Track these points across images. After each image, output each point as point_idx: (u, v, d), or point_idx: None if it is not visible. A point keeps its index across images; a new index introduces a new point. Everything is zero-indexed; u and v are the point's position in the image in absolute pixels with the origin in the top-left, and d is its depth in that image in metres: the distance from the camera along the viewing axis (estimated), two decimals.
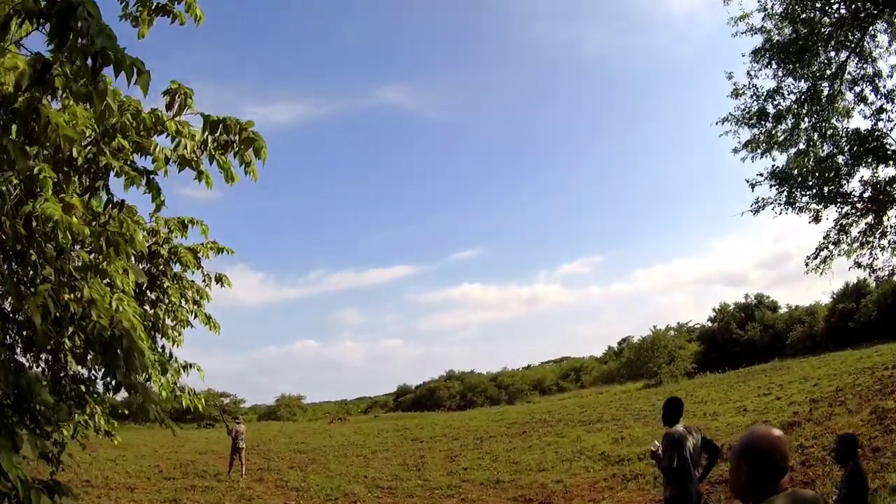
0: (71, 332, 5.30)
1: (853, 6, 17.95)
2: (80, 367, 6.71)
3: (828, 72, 19.43)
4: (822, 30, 18.74)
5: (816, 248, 20.72)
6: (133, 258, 5.94)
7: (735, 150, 21.12)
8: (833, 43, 18.85)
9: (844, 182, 19.54)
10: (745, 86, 20.37)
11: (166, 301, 8.22)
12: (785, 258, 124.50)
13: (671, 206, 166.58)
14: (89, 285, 4.83)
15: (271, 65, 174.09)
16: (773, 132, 20.10)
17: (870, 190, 19.33)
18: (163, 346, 8.35)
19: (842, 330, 50.65)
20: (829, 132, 19.51)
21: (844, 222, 20.02)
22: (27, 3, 3.40)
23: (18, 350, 5.93)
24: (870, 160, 18.69)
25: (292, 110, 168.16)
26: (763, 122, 20.14)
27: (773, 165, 20.29)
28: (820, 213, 20.14)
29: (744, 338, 60.66)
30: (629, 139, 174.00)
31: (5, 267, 4.82)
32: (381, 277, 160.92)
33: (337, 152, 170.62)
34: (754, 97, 20.24)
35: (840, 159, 19.33)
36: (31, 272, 5.09)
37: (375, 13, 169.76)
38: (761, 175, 20.27)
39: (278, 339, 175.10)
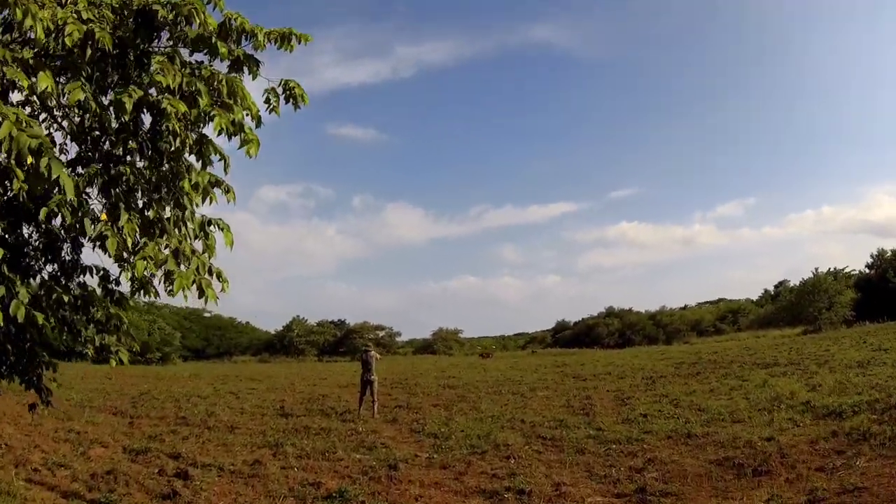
0: None
1: None
2: None
3: None
4: None
5: None
6: None
7: None
8: None
9: None
10: None
11: None
12: None
13: (825, 150, 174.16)
14: None
15: (418, 3, 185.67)
16: None
17: None
18: None
19: None
20: None
21: None
22: None
23: None
24: None
25: (442, 49, 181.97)
26: None
27: None
28: None
29: None
30: (788, 78, 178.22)
31: None
32: (540, 214, 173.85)
33: (490, 89, 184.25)
34: None
35: None
36: None
37: None
38: None
39: (438, 275, 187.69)
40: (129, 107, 6.03)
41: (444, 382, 31.89)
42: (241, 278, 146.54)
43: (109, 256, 6.37)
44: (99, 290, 8.32)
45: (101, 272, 8.09)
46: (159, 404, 25.00)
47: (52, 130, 8.00)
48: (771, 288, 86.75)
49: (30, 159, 4.87)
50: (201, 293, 6.80)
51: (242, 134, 6.88)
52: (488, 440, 16.19)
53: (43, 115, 7.94)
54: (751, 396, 20.21)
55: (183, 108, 6.24)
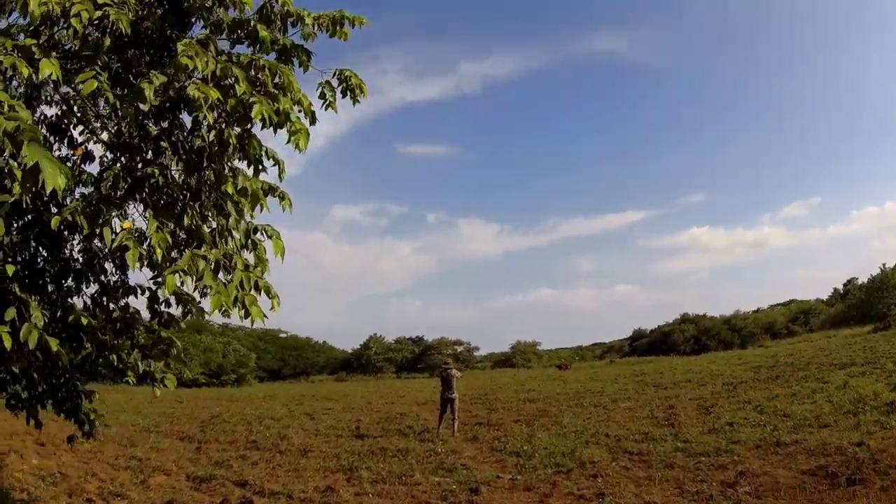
0: None
1: None
2: None
3: None
4: None
5: None
6: None
7: None
8: None
9: None
10: None
11: None
12: None
13: (884, 147, 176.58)
14: None
15: (479, 19, 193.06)
16: None
17: None
18: None
19: None
20: None
21: None
22: None
23: None
24: None
25: (506, 63, 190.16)
26: None
27: None
28: None
29: None
30: (845, 77, 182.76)
31: None
32: (612, 223, 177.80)
33: (555, 100, 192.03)
34: None
35: None
36: None
37: None
38: None
39: (513, 288, 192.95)
40: (149, 94, 5.28)
41: (524, 396, 31.31)
42: (317, 299, 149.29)
43: (131, 270, 5.60)
44: (147, 312, 7.60)
45: (150, 292, 7.37)
46: (230, 427, 24.56)
47: (89, 144, 7.43)
48: (840, 286, 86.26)
49: (8, 147, 4.13)
50: (247, 312, 5.94)
51: (289, 124, 5.99)
52: (573, 457, 15.46)
53: (80, 128, 7.39)
54: (833, 399, 19.82)
55: (214, 94, 5.45)
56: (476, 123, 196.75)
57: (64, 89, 6.61)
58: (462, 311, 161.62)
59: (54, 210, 5.95)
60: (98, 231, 5.43)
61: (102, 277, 7.90)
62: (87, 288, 7.80)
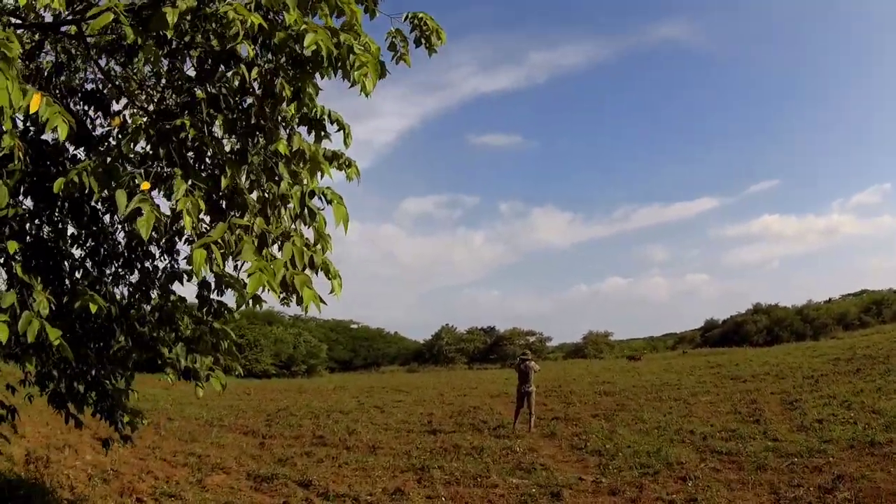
0: None
1: None
2: None
3: None
4: None
5: None
6: None
7: None
8: None
9: None
10: None
11: None
12: None
13: None
14: None
15: (548, 9, 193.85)
16: None
17: None
18: None
19: None
20: None
21: None
22: None
23: None
24: None
25: (575, 53, 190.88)
26: None
27: None
28: None
29: None
30: None
31: None
32: (684, 211, 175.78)
33: (625, 89, 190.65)
34: None
35: None
36: None
37: None
38: None
39: (585, 278, 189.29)
40: (171, 19, 4.32)
41: (599, 389, 30.49)
42: (389, 290, 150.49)
43: (143, 239, 4.60)
44: (196, 301, 6.97)
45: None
46: (296, 421, 23.96)
47: (129, 115, 6.56)
48: None
49: None
50: (298, 298, 4.96)
51: (352, 56, 4.86)
52: (659, 457, 14.67)
53: (123, 101, 6.57)
54: None
55: (256, 19, 4.50)
56: (547, 113, 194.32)
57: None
58: (534, 301, 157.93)
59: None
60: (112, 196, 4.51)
61: (147, 263, 7.09)
62: (130, 275, 7.08)
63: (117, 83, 6.52)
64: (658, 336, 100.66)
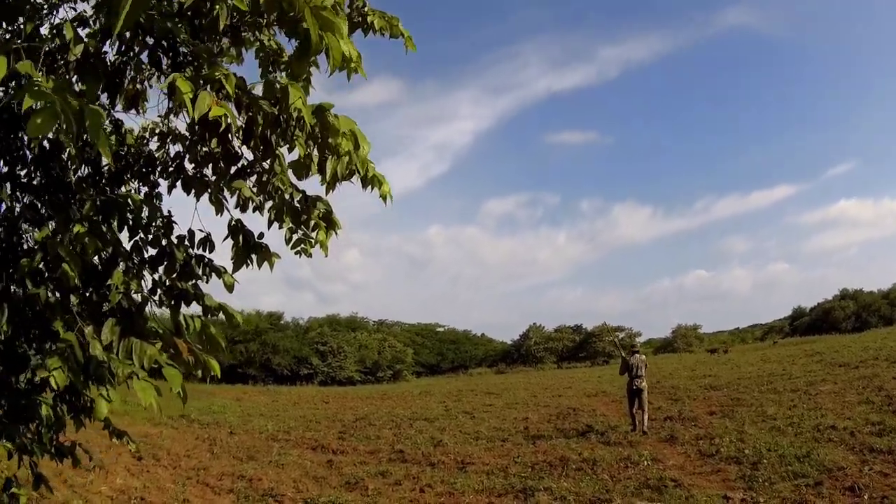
0: None
1: None
2: None
3: None
4: None
5: None
6: None
7: None
8: None
9: None
10: None
11: None
12: None
13: None
14: None
15: (609, 5, 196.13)
16: None
17: None
18: None
19: None
20: None
21: None
22: None
23: None
24: None
25: (644, 46, 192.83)
26: None
27: None
28: None
29: None
30: None
31: None
32: (762, 200, 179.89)
33: (696, 79, 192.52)
34: None
35: None
36: None
37: None
38: None
39: (670, 272, 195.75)
40: None
41: (703, 383, 28.50)
42: (474, 292, 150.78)
43: None
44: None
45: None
46: (374, 432, 21.04)
47: None
48: None
49: None
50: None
51: None
52: (812, 462, 12.16)
53: None
54: None
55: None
56: (621, 108, 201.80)
57: None
58: (619, 297, 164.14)
59: None
60: None
61: None
62: None
63: None
64: (743, 327, 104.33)
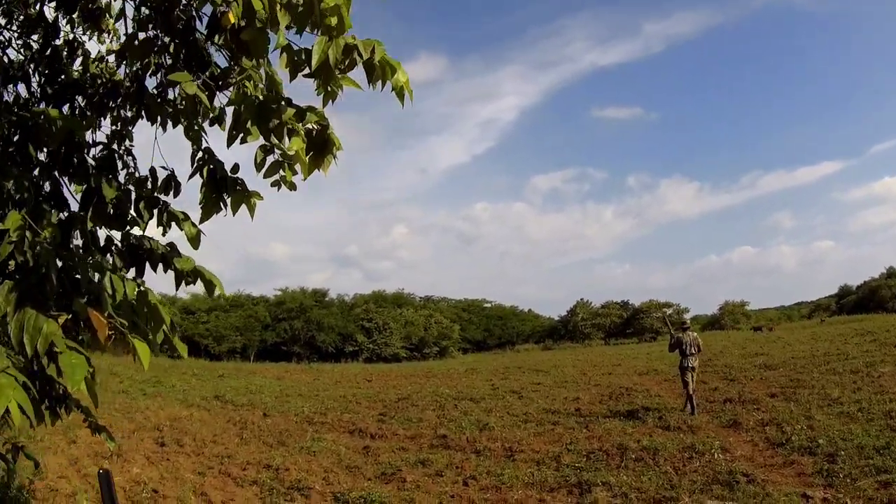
0: None
1: None
2: None
3: None
4: None
5: None
6: None
7: None
8: None
9: None
10: None
11: None
12: None
13: None
14: None
15: None
16: None
17: None
18: None
19: None
20: None
21: None
22: None
23: None
24: None
25: (689, 20, 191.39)
26: None
27: None
28: None
29: None
30: None
31: None
32: (808, 176, 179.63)
33: (741, 53, 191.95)
34: None
35: None
36: None
37: None
38: None
39: (717, 248, 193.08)
40: None
41: (756, 362, 27.09)
42: (521, 268, 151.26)
43: None
44: None
45: None
46: (417, 414, 19.74)
47: None
48: None
49: None
50: None
51: None
52: (891, 454, 10.87)
53: None
54: None
55: None
56: (667, 82, 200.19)
57: None
58: (666, 273, 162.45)
59: None
60: None
61: None
62: None
63: None
64: (788, 305, 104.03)
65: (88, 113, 4.32)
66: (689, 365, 17.25)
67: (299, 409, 20.83)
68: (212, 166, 3.51)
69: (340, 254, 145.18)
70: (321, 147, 3.25)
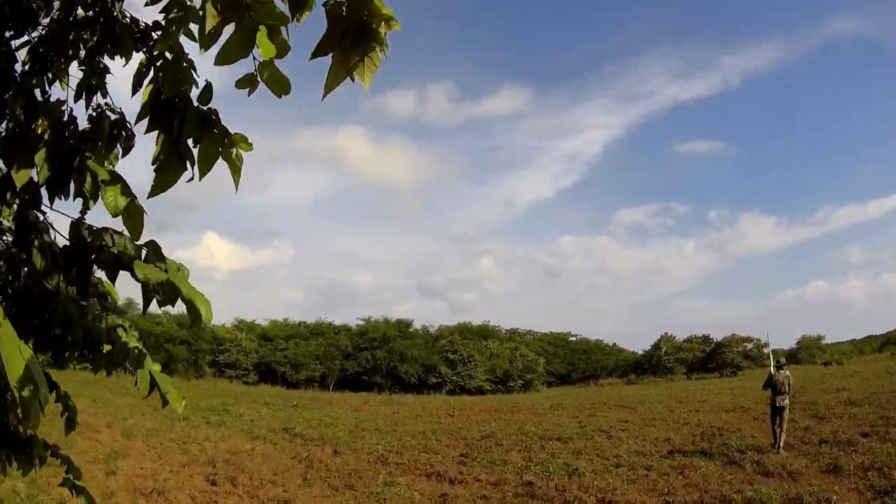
0: None
1: None
2: None
3: None
4: None
5: None
6: None
7: None
8: None
9: None
10: None
11: None
12: None
13: None
14: None
15: (725, 14, 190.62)
16: None
17: None
18: None
19: None
20: None
21: None
22: None
23: None
24: None
25: (764, 54, 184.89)
26: None
27: None
28: None
29: None
30: None
31: None
32: (879, 209, 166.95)
33: (818, 86, 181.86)
34: None
35: None
36: None
37: None
38: None
39: (792, 282, 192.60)
40: None
41: (839, 398, 26.17)
42: (604, 301, 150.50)
43: None
44: None
45: None
46: (501, 455, 18.41)
47: None
48: None
49: None
50: None
51: None
52: None
53: None
54: None
55: None
56: (744, 116, 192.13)
57: None
58: (743, 307, 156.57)
59: None
60: None
61: None
62: None
63: None
64: (861, 338, 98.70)
65: None
66: (779, 405, 17.04)
67: (374, 447, 19.61)
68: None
69: (425, 284, 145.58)
70: (358, 33, 1.97)
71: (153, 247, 2.61)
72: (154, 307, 2.59)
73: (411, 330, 62.91)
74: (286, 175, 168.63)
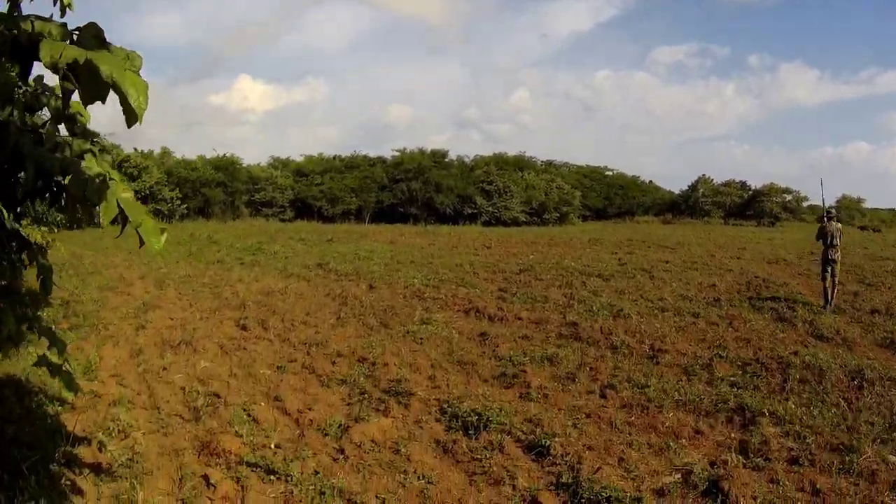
0: None
1: None
2: None
3: None
4: None
5: None
6: None
7: None
8: None
9: None
10: None
11: None
12: None
13: None
14: None
15: None
16: None
17: None
18: None
19: None
20: None
21: None
22: None
23: None
24: None
25: None
26: None
27: None
28: None
29: None
30: None
31: None
32: None
33: None
34: None
35: None
36: None
37: None
38: None
39: (832, 140, 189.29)
40: None
41: (885, 267, 25.17)
42: (640, 139, 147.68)
43: None
44: None
45: None
46: (541, 291, 17.72)
47: None
48: None
49: None
50: None
51: None
52: None
53: None
54: None
55: None
56: None
57: None
58: (782, 159, 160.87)
59: None
60: None
61: None
62: None
63: None
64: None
65: None
66: (831, 257, 16.50)
67: (410, 281, 18.94)
68: None
69: (460, 116, 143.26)
70: None
71: (92, 31, 1.76)
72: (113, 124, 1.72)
73: (447, 160, 61.66)
74: (319, 15, 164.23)
